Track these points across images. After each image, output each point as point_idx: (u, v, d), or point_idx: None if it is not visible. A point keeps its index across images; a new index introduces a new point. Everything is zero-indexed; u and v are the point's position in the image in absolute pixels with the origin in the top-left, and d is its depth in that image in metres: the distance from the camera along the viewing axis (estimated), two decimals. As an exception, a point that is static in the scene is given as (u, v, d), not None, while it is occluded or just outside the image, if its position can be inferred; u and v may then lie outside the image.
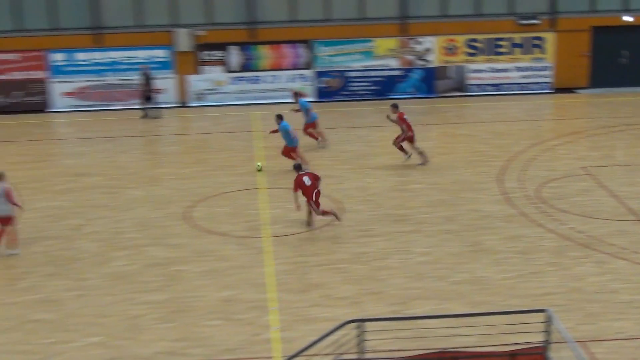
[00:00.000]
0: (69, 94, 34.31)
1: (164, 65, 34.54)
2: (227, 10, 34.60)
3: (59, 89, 34.32)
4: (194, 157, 28.06)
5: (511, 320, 13.82)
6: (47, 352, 16.34)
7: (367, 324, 13.59)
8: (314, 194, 21.36)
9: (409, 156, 26.56)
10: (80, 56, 34.23)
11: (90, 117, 33.39)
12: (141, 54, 34.34)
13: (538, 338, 13.70)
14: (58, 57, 34.24)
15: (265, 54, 34.84)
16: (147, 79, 33.32)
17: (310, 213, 21.72)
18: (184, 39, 34.16)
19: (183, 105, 34.58)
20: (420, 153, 26.53)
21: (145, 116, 32.97)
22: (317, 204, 21.37)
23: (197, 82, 34.69)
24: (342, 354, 13.79)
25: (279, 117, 26.15)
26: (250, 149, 28.49)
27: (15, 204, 20.42)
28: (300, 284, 18.75)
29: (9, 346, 16.59)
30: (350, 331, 13.59)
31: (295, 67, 35.03)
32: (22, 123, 32.62)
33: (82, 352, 16.33)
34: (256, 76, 34.85)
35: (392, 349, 13.99)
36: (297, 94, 28.34)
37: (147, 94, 33.24)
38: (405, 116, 26.26)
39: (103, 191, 24.99)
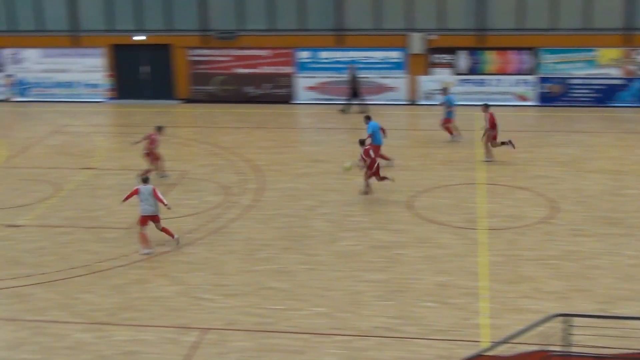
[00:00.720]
0: (311, 88, 35.10)
1: (397, 66, 34.65)
2: (459, 17, 34.22)
3: (303, 83, 35.17)
4: (420, 151, 27.99)
5: None
6: (278, 317, 16.83)
7: (574, 319, 13.10)
8: (375, 166, 22.91)
9: (512, 146, 26.32)
10: (323, 55, 34.93)
11: (328, 109, 34.02)
12: (377, 55, 34.62)
13: None
14: (304, 55, 35.08)
15: (491, 59, 34.21)
16: (354, 77, 33.73)
17: (367, 185, 23.17)
18: (417, 43, 34.11)
19: (413, 103, 34.56)
20: (488, 151, 26.41)
21: (346, 111, 33.30)
22: (377, 172, 22.97)
23: (427, 82, 34.54)
24: (547, 345, 13.36)
25: (368, 118, 26.02)
26: (472, 146, 28.09)
27: (161, 201, 20.21)
28: (512, 275, 18.33)
29: (246, 308, 17.22)
30: (557, 324, 13.14)
31: (519, 73, 34.19)
32: (270, 112, 33.71)
33: (309, 320, 16.69)
34: (482, 79, 34.28)
35: (597, 346, 13.41)
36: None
37: (353, 91, 33.64)
38: (492, 116, 26.32)
39: (336, 177, 25.41)
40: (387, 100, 34.34)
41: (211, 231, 21.40)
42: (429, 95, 34.52)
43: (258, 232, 21.30)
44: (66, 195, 24.26)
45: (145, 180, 20.31)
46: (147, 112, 34.00)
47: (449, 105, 28.56)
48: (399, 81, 34.60)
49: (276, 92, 35.38)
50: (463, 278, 18.26)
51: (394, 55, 34.58)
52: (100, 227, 21.91)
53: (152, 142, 24.83)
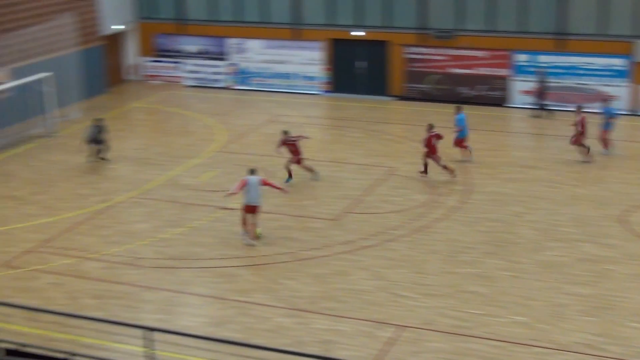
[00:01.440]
0: (527, 92, 34.32)
1: (619, 74, 33.24)
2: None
3: (519, 87, 34.45)
4: (638, 164, 26.77)
5: None
6: (475, 322, 16.67)
7: None
8: (435, 155, 24.85)
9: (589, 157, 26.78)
10: (542, 58, 34.05)
11: (544, 115, 33.16)
12: (599, 61, 33.34)
13: None
14: (521, 58, 34.38)
15: None
16: (542, 81, 32.67)
17: (426, 165, 25.18)
18: (643, 50, 32.63)
19: (634, 113, 33.06)
20: (587, 148, 26.81)
21: (538, 116, 32.30)
22: (438, 158, 24.92)
23: (652, 92, 32.96)
24: None
25: (458, 109, 27.31)
26: (697, 163, 26.58)
27: (277, 187, 21.09)
28: None
29: (444, 310, 17.17)
30: None
31: None
32: (482, 114, 33.29)
33: (507, 328, 16.43)
34: None
35: None
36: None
37: (540, 95, 32.59)
38: (584, 120, 26.70)
39: (546, 184, 24.81)
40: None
41: (415, 229, 21.47)
42: (652, 106, 32.90)
43: (462, 234, 21.16)
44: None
45: (252, 172, 20.82)
46: (360, 107, 34.50)
47: (608, 116, 27.28)
48: (620, 90, 33.18)
49: (490, 94, 34.89)
50: (676, 301, 17.34)
51: (617, 62, 33.19)
52: (306, 216, 22.51)
53: (291, 145, 25.09)
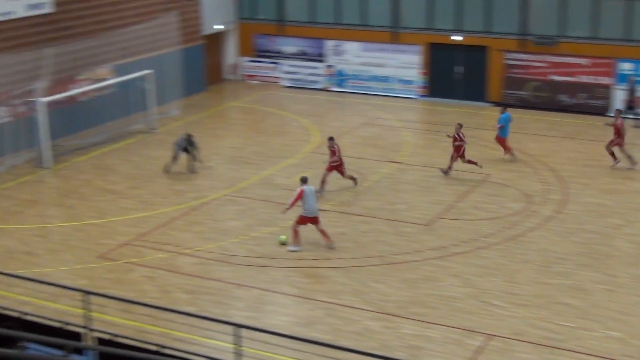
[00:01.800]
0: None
1: None
2: None
3: (622, 96, 33.58)
4: None
5: None
6: (567, 335, 16.35)
7: None
8: (462, 150, 25.56)
9: (617, 162, 26.49)
10: (647, 67, 33.20)
11: (646, 125, 32.34)
12: None
13: None
14: (626, 66, 33.53)
15: None
16: (632, 90, 31.77)
17: (470, 162, 25.72)
18: None
19: None
20: (629, 157, 26.58)
21: (638, 126, 31.39)
22: (463, 156, 25.61)
23: None
24: None
25: (504, 108, 28.05)
26: None
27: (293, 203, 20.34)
28: None
29: (534, 321, 16.90)
30: None
31: None
32: (583, 123, 32.61)
33: (600, 342, 16.06)
34: None
35: None
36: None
37: (631, 104, 31.79)
38: (622, 124, 26.45)
39: (647, 197, 24.16)
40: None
41: (508, 238, 21.18)
42: None
43: (556, 244, 20.76)
44: (370, 185, 25.08)
45: (305, 181, 20.51)
46: (456, 112, 34.19)
47: None
48: None
49: (591, 103, 34.11)
50: None
51: None
52: (398, 220, 22.44)
53: (332, 153, 24.59)
